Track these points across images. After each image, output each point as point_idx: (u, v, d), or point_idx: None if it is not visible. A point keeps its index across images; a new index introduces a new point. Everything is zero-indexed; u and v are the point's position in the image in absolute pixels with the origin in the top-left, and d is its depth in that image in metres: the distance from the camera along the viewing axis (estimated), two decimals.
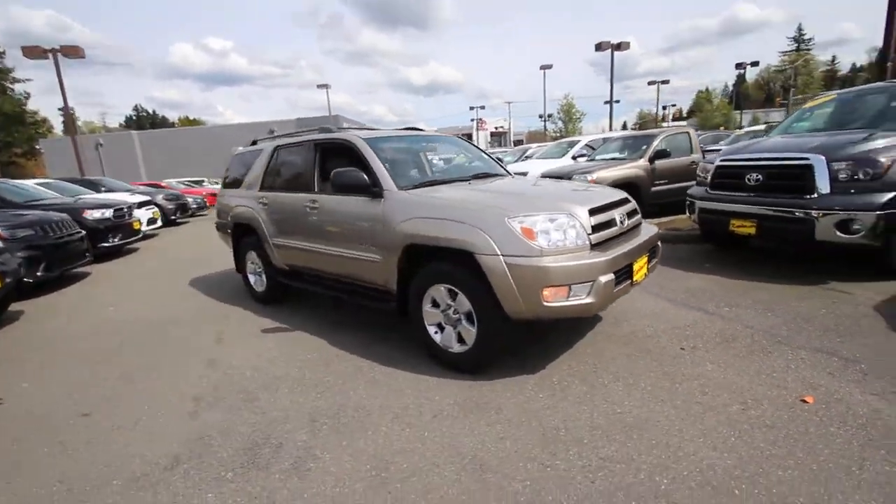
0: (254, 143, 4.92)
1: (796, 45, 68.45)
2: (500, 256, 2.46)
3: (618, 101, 25.78)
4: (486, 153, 4.45)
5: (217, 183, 25.12)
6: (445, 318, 2.88)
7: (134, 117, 69.87)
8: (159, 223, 10.89)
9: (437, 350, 2.95)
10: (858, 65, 68.41)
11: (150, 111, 73.29)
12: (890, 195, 3.67)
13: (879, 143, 3.89)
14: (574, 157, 9.98)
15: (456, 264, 2.71)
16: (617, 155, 8.59)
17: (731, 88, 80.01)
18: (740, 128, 27.87)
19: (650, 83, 31.70)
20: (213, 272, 6.46)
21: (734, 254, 5.26)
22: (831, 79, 62.87)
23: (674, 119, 52.10)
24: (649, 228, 3.25)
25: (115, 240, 7.75)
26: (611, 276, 2.51)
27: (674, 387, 2.52)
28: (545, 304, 2.43)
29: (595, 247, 2.61)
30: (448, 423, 2.35)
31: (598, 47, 20.53)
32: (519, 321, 2.62)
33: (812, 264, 4.57)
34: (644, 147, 7.66)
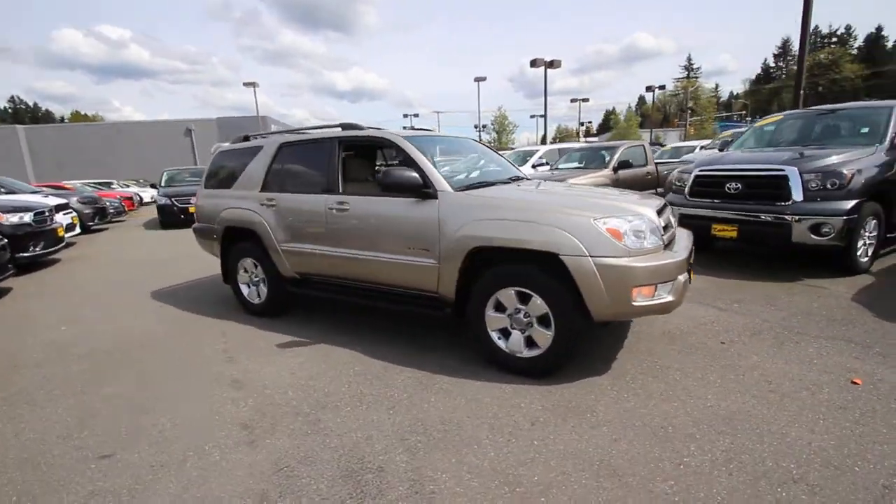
0: (245, 138, 4.47)
1: (687, 72, 77.62)
2: (590, 257, 2.47)
3: (542, 116, 27.41)
4: (502, 156, 4.47)
5: (128, 185, 22.52)
6: (514, 322, 2.81)
7: (10, 110, 60.32)
8: (77, 230, 9.45)
9: (502, 356, 2.87)
10: (735, 92, 79.11)
11: (31, 104, 63.78)
12: (853, 202, 4.26)
13: (834, 158, 4.50)
14: (534, 167, 10.35)
15: (532, 266, 2.67)
16: (577, 164, 9.08)
17: (633, 109, 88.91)
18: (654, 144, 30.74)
19: (572, 101, 34.29)
20: (174, 283, 5.74)
21: (707, 255, 5.76)
22: (717, 104, 71.94)
23: (587, 134, 56.27)
24: (682, 230, 3.45)
25: (37, 249, 6.58)
26: (686, 275, 2.63)
27: (739, 378, 2.69)
28: (633, 303, 2.48)
29: (666, 246, 2.71)
30: (551, 429, 2.29)
31: (533, 63, 21.69)
32: (600, 322, 2.64)
33: (774, 262, 5.15)
34: (607, 158, 8.17)
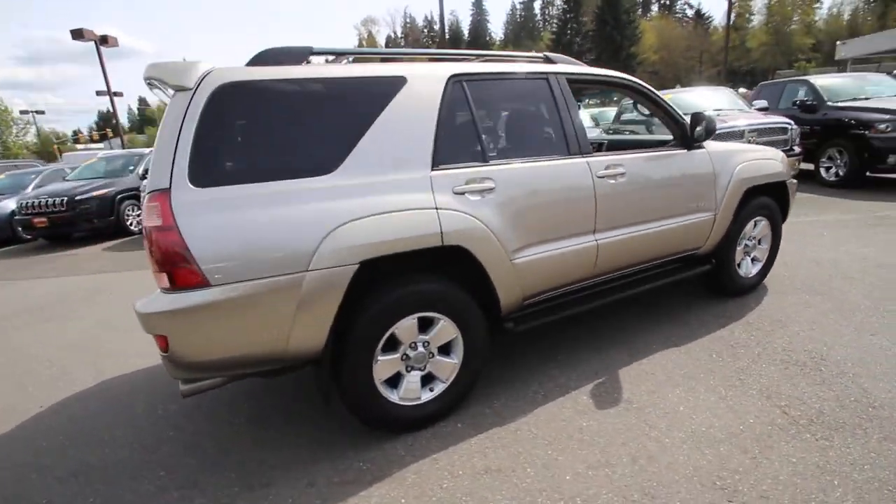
0: (304, 57, 1.89)
1: None
2: (789, 179, 3.41)
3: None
4: None
5: None
6: (748, 248, 3.30)
7: None
8: None
9: (740, 281, 3.28)
10: None
11: None
12: None
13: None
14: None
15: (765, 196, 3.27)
16: None
17: (135, 110, 79.34)
18: None
19: (98, 93, 25.95)
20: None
21: None
22: None
23: (102, 139, 44.61)
24: None
25: None
26: None
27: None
28: None
29: None
30: None
31: (78, 35, 15.22)
32: None
33: None
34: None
